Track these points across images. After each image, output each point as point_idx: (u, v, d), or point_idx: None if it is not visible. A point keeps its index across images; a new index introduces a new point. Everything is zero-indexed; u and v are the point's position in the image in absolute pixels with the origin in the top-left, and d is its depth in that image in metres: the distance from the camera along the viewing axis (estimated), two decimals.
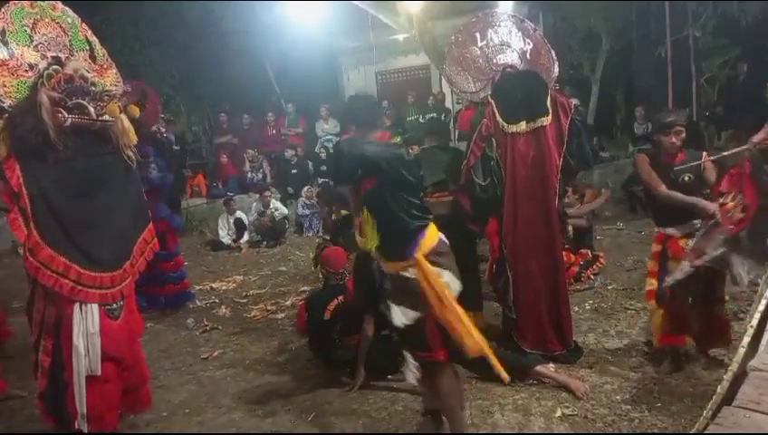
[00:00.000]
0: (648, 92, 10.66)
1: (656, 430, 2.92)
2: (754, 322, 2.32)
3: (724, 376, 2.24)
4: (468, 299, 4.69)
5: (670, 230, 3.48)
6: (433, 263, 2.60)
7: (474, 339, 2.59)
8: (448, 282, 2.62)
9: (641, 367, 3.58)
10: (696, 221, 3.34)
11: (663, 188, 3.38)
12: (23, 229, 2.56)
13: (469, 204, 4.15)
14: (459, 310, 2.58)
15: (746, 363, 2.14)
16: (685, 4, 10.03)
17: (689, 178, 3.37)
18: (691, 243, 3.30)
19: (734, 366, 2.20)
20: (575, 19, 11.29)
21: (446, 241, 2.72)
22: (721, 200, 3.22)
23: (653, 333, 3.66)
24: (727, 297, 3.67)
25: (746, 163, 3.24)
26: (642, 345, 3.89)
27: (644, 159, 3.50)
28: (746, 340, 2.28)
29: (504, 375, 2.77)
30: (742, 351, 2.24)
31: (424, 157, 4.56)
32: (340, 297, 3.92)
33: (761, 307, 2.37)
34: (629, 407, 3.14)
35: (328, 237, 6.93)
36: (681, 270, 3.22)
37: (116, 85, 3.07)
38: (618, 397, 3.25)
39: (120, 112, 2.79)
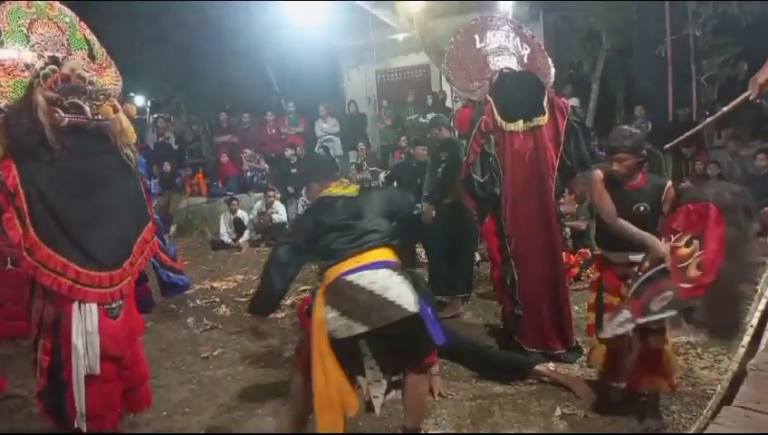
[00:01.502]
0: (648, 92, 10.65)
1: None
2: (754, 321, 2.32)
3: (724, 376, 2.24)
4: (457, 282, 5.01)
5: (612, 255, 3.08)
6: (325, 296, 2.63)
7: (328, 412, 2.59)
8: (328, 320, 2.58)
9: None
10: (639, 256, 2.90)
11: (609, 212, 2.95)
12: (18, 229, 2.56)
13: (472, 202, 4.17)
14: (323, 361, 2.58)
15: (746, 363, 2.14)
16: (685, 3, 10.02)
17: (645, 207, 2.93)
18: (632, 285, 2.77)
19: (733, 366, 2.20)
20: (575, 18, 11.29)
21: (354, 282, 2.60)
22: (673, 240, 2.67)
23: (595, 368, 3.30)
24: None
25: (711, 205, 2.60)
26: None
27: (598, 177, 3.03)
28: (746, 339, 2.27)
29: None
30: (742, 350, 2.24)
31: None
32: None
33: (761, 307, 2.36)
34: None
35: None
36: (621, 323, 2.67)
37: (115, 84, 3.07)
38: (617, 396, 3.25)
39: (116, 112, 2.78)
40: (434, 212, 4.85)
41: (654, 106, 9.98)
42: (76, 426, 2.65)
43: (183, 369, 4.22)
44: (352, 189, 3.00)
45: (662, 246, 2.67)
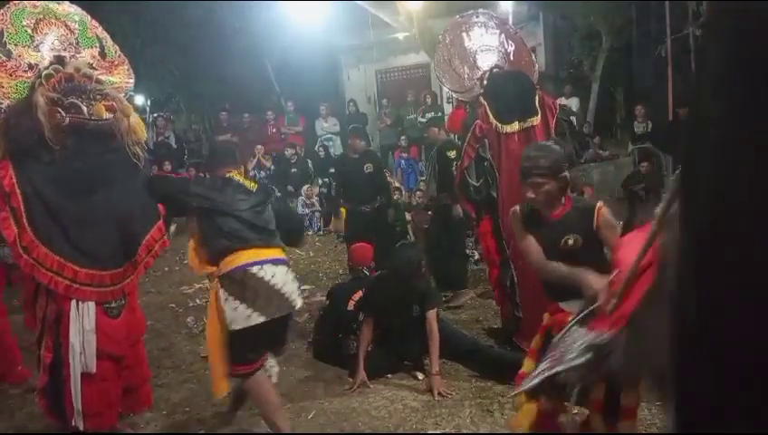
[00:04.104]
0: (648, 92, 10.66)
1: (655, 430, 2.92)
2: None
3: None
4: (453, 278, 5.11)
5: (569, 306, 2.32)
6: (222, 284, 2.79)
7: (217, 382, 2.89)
8: (227, 311, 2.74)
9: None
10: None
11: (534, 256, 2.37)
12: (13, 229, 2.57)
13: (469, 206, 4.19)
14: (216, 345, 2.85)
15: None
16: (685, 3, 10.01)
17: (574, 240, 2.33)
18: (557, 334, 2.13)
19: None
20: (575, 18, 11.29)
21: (257, 274, 2.76)
22: (613, 275, 1.97)
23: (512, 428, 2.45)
24: None
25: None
26: None
27: (516, 214, 2.50)
28: None
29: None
30: None
31: None
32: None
33: None
34: None
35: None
36: (535, 374, 2.11)
37: (127, 82, 3.08)
38: None
39: (113, 111, 2.77)
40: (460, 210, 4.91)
41: (654, 106, 9.98)
42: (73, 424, 2.65)
43: (183, 368, 4.22)
44: (251, 184, 3.06)
45: (595, 282, 2.07)
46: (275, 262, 2.85)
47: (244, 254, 2.79)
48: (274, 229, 3.00)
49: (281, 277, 2.83)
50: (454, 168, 4.92)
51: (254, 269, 2.77)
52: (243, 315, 2.73)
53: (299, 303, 2.93)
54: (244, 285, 2.74)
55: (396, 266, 3.80)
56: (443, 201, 5.23)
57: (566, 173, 2.40)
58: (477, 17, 4.35)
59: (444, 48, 4.26)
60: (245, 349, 2.82)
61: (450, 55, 4.24)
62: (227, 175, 2.99)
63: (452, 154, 5.02)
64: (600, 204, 2.41)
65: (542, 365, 2.09)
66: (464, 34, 4.26)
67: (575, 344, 1.96)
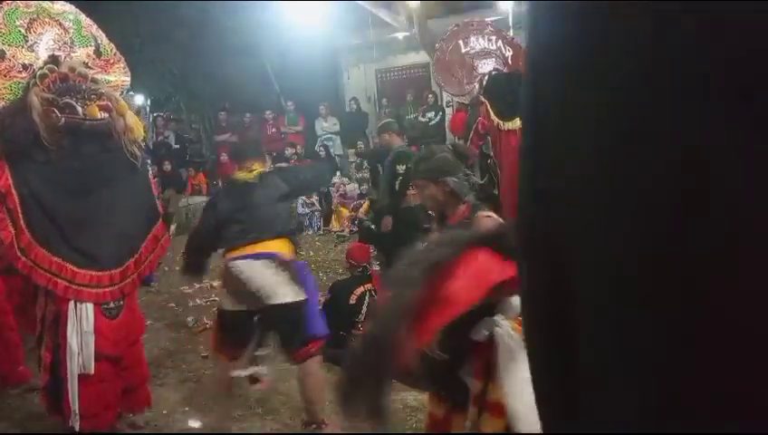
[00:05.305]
0: None
1: None
2: None
3: None
4: None
5: None
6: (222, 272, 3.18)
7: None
8: (219, 292, 3.30)
9: None
10: None
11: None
12: (9, 230, 2.57)
13: None
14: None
15: None
16: None
17: None
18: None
19: None
20: None
21: (232, 269, 2.96)
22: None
23: None
24: None
25: None
26: None
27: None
28: None
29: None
30: None
31: None
32: (367, 284, 4.04)
33: None
34: None
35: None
36: None
37: (123, 80, 3.07)
38: None
39: (102, 111, 2.76)
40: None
41: None
42: (70, 425, 2.65)
43: (183, 368, 4.22)
44: (254, 174, 3.14)
45: None
46: (252, 256, 2.94)
47: (233, 250, 3.01)
48: (273, 219, 3.06)
49: (249, 273, 2.90)
50: (398, 182, 4.85)
51: (232, 263, 2.97)
52: (226, 300, 3.07)
53: (278, 299, 2.86)
54: (225, 276, 3.05)
55: None
56: (380, 206, 5.11)
57: (448, 179, 2.29)
58: (473, 25, 4.48)
59: (441, 55, 4.39)
60: (221, 330, 3.13)
61: (449, 62, 4.35)
62: (233, 176, 3.25)
63: (401, 169, 4.78)
64: (479, 214, 2.25)
65: None
66: (460, 42, 4.39)
67: None
